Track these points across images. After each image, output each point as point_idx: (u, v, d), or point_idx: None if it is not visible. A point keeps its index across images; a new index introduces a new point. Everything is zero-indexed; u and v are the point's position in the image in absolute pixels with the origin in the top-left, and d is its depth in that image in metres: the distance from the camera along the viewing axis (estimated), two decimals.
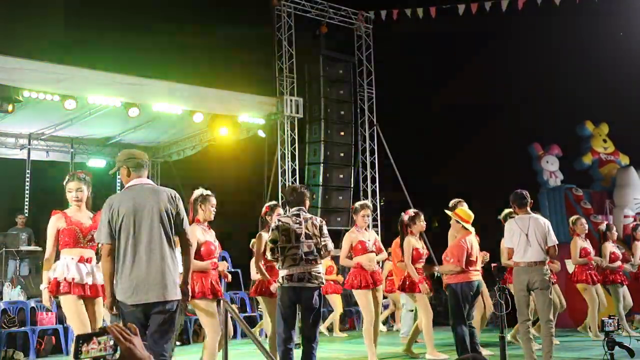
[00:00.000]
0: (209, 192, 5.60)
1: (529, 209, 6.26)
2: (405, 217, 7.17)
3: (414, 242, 7.04)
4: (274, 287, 5.99)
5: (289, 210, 5.44)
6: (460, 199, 7.36)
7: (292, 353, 5.22)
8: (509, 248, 6.24)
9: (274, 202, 6.49)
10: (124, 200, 4.17)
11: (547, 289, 6.04)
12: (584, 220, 8.79)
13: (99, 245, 4.47)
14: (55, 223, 4.89)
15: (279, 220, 5.31)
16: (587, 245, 8.65)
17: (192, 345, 9.59)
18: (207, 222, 5.58)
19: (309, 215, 5.41)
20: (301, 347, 5.31)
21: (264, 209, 6.39)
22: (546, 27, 16.63)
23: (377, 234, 13.04)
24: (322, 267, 5.43)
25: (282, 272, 5.24)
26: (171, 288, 4.12)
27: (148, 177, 4.48)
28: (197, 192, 5.59)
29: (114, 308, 4.12)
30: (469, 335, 6.29)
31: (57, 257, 4.92)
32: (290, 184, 12.24)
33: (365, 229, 6.87)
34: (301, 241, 5.23)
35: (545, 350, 6.00)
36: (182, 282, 4.25)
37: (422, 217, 7.20)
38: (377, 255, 6.82)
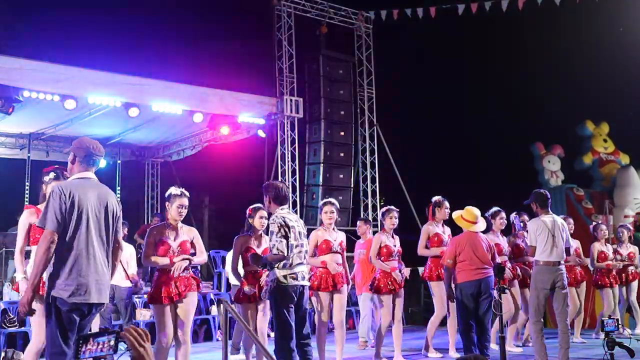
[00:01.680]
0: (178, 192, 5.39)
1: (549, 209, 6.32)
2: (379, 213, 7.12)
3: (384, 239, 6.87)
4: (247, 288, 5.86)
5: (274, 207, 5.23)
6: (442, 197, 7.37)
7: None
8: (532, 246, 6.26)
9: (257, 205, 6.14)
10: (77, 191, 3.93)
11: (566, 288, 6.22)
12: (570, 220, 8.72)
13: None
14: (27, 218, 4.80)
15: (283, 217, 5.09)
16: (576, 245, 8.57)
17: (193, 345, 9.57)
18: (178, 222, 5.39)
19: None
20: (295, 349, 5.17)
21: (248, 211, 6.16)
22: (546, 27, 16.63)
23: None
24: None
25: (286, 271, 5.01)
26: (109, 291, 4.09)
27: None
28: (168, 190, 5.47)
29: (28, 305, 3.79)
30: (480, 334, 6.31)
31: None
32: (290, 184, 12.24)
33: (334, 228, 6.56)
34: (302, 239, 5.19)
35: (564, 347, 6.09)
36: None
37: (394, 213, 7.03)
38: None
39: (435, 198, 7.46)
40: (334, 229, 6.57)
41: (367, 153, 14.36)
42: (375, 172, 14.35)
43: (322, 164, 13.41)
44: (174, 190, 5.42)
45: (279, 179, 12.32)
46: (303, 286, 5.11)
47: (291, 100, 12.01)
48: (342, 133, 13.85)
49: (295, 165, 12.63)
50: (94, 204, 3.97)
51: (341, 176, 13.72)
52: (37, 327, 4.55)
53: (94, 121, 11.35)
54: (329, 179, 13.55)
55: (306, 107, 13.10)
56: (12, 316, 8.29)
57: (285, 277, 5.02)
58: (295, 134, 12.62)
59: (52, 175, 4.99)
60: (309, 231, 6.64)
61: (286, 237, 5.01)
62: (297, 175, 12.65)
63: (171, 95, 10.54)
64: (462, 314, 6.41)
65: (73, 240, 3.86)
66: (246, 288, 5.86)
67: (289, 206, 5.45)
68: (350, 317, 11.92)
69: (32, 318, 4.30)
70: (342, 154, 13.80)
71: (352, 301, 10.96)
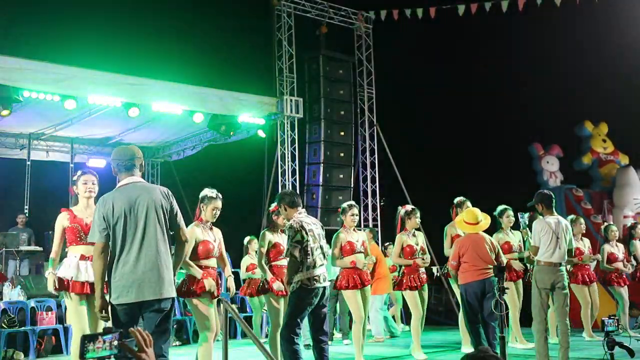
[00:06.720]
0: (214, 195, 5.50)
1: (554, 210, 6.34)
2: (401, 211, 7.20)
3: (405, 239, 7.07)
4: (277, 285, 6.06)
5: (291, 212, 5.34)
6: (464, 198, 7.42)
7: None
8: (534, 246, 6.27)
9: None
10: (118, 199, 4.08)
11: (566, 288, 6.24)
12: (582, 220, 8.77)
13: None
14: (60, 221, 4.95)
15: (300, 221, 5.21)
16: (580, 245, 8.61)
17: (192, 345, 9.59)
18: (209, 222, 5.50)
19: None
20: (312, 346, 5.32)
21: (272, 206, 6.23)
22: (546, 27, 16.63)
23: (378, 234, 13.14)
24: None
25: (307, 273, 5.12)
26: (167, 285, 4.05)
27: (143, 176, 4.45)
28: (203, 192, 5.54)
29: (104, 311, 4.00)
30: (487, 333, 6.37)
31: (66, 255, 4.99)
32: (290, 184, 12.25)
33: (354, 229, 6.74)
34: (322, 240, 5.33)
35: (564, 346, 6.11)
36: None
37: (418, 213, 7.17)
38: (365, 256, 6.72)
39: (458, 199, 7.48)
40: (354, 230, 6.74)
41: (367, 153, 14.37)
42: (375, 172, 14.36)
43: (322, 164, 13.42)
44: (209, 192, 5.51)
45: (279, 179, 12.33)
46: (324, 287, 5.24)
47: (291, 100, 12.01)
48: (342, 133, 13.86)
49: (295, 165, 12.64)
50: (137, 206, 4.07)
51: (341, 176, 13.73)
52: (75, 324, 4.79)
53: (94, 121, 11.36)
54: (329, 179, 13.56)
55: (306, 107, 13.11)
56: (12, 316, 8.29)
57: (309, 279, 5.13)
58: (295, 134, 12.62)
59: (79, 173, 5.19)
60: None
61: (301, 242, 5.13)
62: (297, 175, 12.65)
63: (171, 95, 10.54)
64: (468, 313, 6.53)
65: (120, 244, 4.01)
66: (275, 285, 6.07)
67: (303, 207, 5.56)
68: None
69: (68, 315, 4.71)
70: (342, 154, 13.81)
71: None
